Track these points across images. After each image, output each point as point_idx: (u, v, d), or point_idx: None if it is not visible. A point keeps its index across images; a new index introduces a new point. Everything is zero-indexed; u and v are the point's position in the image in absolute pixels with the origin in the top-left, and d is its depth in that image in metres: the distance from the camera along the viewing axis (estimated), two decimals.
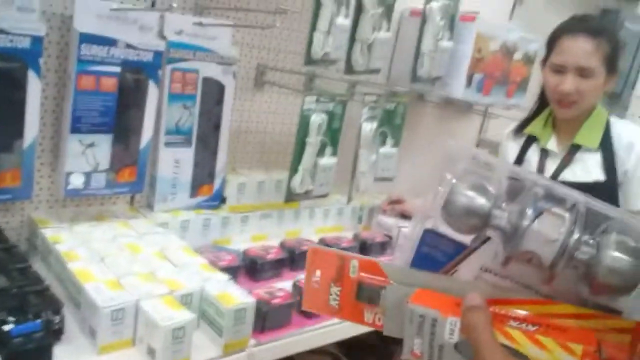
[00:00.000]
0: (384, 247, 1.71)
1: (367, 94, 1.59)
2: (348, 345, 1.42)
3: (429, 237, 0.79)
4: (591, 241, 0.69)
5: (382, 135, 1.73)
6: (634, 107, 1.51)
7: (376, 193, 2.05)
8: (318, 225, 1.74)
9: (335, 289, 0.68)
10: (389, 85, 1.71)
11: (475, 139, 2.48)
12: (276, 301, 1.17)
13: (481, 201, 0.72)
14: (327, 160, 1.48)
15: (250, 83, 1.58)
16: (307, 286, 0.67)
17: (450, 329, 0.60)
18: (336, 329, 1.26)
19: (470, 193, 0.73)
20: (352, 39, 1.48)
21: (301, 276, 1.38)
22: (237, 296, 1.07)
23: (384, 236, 1.74)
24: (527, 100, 2.32)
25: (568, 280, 0.69)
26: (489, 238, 0.73)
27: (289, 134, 1.72)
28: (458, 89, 1.77)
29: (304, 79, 1.63)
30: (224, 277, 1.14)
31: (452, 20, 1.72)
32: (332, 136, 1.49)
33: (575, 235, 0.69)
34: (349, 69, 1.51)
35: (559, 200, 0.72)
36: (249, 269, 1.36)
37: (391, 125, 1.73)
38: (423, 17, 1.63)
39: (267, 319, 1.14)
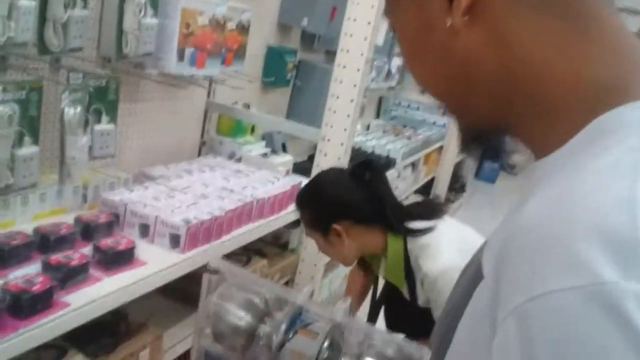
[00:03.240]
0: (110, 227, 1.70)
1: (70, 72, 1.53)
2: (76, 334, 1.41)
3: (209, 357, 0.83)
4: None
5: (96, 113, 1.68)
6: None
7: (100, 169, 2.01)
8: (35, 212, 1.65)
9: None
10: (93, 65, 1.66)
11: (204, 105, 2.56)
12: None
13: (247, 319, 0.75)
14: (27, 150, 1.40)
15: None
16: None
17: None
18: (55, 324, 1.25)
19: (236, 312, 0.76)
20: (43, 19, 1.39)
21: (10, 276, 1.31)
22: None
23: (110, 215, 1.72)
24: (246, 65, 2.47)
25: None
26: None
27: None
28: (170, 65, 1.80)
29: None
30: None
31: None
32: (30, 125, 1.41)
33: (326, 353, 0.76)
34: (44, 50, 1.43)
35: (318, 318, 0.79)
36: None
37: (104, 102, 1.69)
38: None
39: None
